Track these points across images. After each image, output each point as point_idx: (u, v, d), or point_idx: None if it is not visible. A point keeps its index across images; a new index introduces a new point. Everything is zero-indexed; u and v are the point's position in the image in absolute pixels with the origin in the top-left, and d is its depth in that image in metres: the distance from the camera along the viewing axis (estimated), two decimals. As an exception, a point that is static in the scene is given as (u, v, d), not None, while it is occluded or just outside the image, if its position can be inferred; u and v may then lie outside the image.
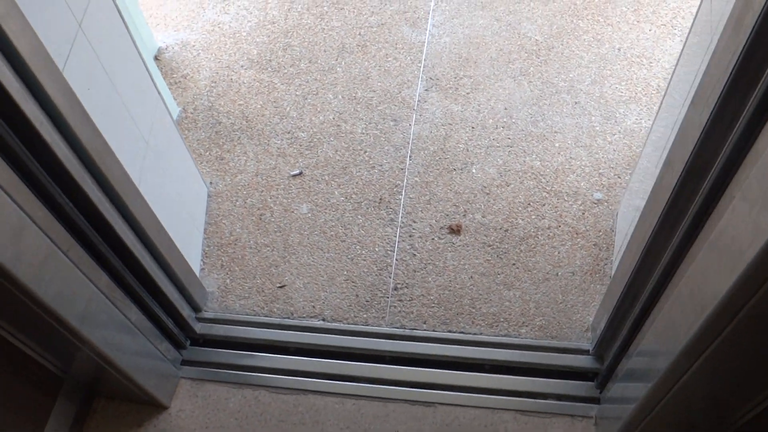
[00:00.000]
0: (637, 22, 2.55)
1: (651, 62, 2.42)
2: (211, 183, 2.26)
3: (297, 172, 2.27)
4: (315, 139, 2.34)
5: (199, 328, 1.94)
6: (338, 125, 2.37)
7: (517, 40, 2.56)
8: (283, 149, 2.33)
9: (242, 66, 2.59)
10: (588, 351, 1.80)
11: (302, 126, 2.38)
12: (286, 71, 2.55)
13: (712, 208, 1.10)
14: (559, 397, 1.75)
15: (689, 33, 1.55)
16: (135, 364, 1.63)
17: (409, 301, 1.96)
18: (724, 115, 1.01)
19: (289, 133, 2.37)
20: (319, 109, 2.42)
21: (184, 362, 1.90)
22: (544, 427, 1.70)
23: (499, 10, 2.66)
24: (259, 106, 2.45)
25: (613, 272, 1.91)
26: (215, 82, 2.54)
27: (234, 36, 2.69)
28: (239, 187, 2.25)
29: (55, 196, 1.23)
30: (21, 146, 1.11)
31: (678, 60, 1.59)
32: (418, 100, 2.41)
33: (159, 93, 1.86)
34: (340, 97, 2.45)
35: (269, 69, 2.57)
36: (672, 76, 1.65)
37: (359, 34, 2.64)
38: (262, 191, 2.23)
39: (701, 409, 1.42)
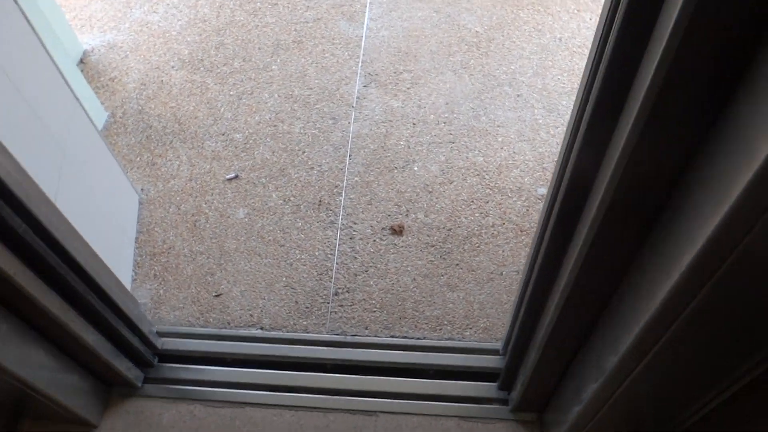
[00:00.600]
0: (578, 11, 2.52)
1: (591, 52, 2.40)
2: (142, 190, 2.16)
3: (232, 175, 2.18)
4: (251, 141, 2.26)
5: (161, 344, 1.84)
6: (275, 125, 2.29)
7: (456, 32, 2.51)
8: (217, 152, 2.24)
9: (173, 67, 2.48)
10: (498, 351, 1.75)
11: (237, 127, 2.29)
12: (219, 71, 2.45)
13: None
14: (502, 402, 1.71)
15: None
16: (58, 385, 1.53)
17: (351, 306, 1.90)
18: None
19: (223, 135, 2.28)
20: (254, 109, 2.34)
21: (147, 380, 1.81)
22: None
23: (438, 1, 2.60)
24: (191, 108, 2.35)
25: (556, 268, 1.88)
26: (145, 84, 2.43)
27: (164, 36, 2.58)
28: (172, 193, 2.15)
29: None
30: None
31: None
32: (357, 97, 2.34)
33: (77, 99, 1.76)
34: (276, 96, 2.37)
35: (201, 69, 2.47)
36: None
37: (294, 30, 2.56)
38: (197, 197, 2.14)
39: (648, 409, 1.39)
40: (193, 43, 2.54)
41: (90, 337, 1.52)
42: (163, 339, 1.86)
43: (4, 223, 1.21)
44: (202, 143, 2.26)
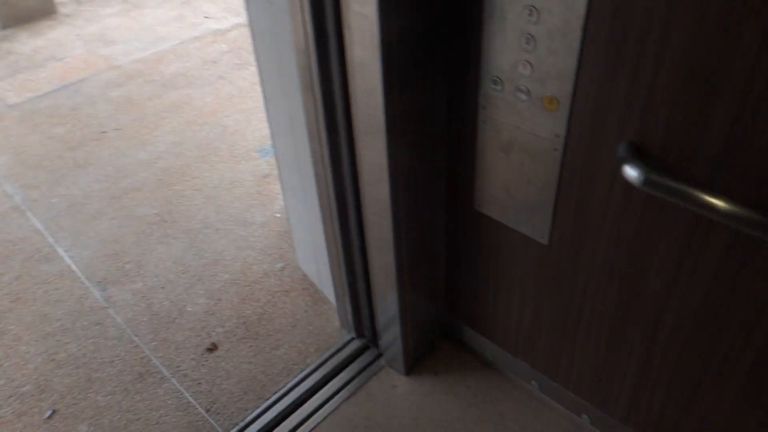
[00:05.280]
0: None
1: (236, 185, 3.28)
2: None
3: (49, 412, 2.34)
4: (41, 382, 2.44)
5: None
6: (51, 360, 2.52)
7: (141, 220, 3.11)
8: (19, 410, 2.36)
9: None
10: (354, 338, 2.44)
11: (17, 383, 2.45)
12: (-39, 360, 2.55)
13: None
14: (359, 372, 2.33)
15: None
16: None
17: (225, 408, 2.30)
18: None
19: (10, 397, 2.41)
20: (21, 365, 2.52)
21: None
22: (367, 396, 2.26)
23: (110, 212, 3.17)
24: (-40, 400, 2.40)
25: (325, 292, 2.62)
26: None
27: None
28: (4, 462, 2.20)
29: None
30: None
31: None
32: (104, 299, 2.73)
33: None
34: (32, 342, 2.59)
35: (-59, 370, 2.52)
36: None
37: (6, 294, 2.80)
38: (31, 447, 2.24)
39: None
40: None
41: None
42: None
43: None
44: (-4, 414, 2.35)
